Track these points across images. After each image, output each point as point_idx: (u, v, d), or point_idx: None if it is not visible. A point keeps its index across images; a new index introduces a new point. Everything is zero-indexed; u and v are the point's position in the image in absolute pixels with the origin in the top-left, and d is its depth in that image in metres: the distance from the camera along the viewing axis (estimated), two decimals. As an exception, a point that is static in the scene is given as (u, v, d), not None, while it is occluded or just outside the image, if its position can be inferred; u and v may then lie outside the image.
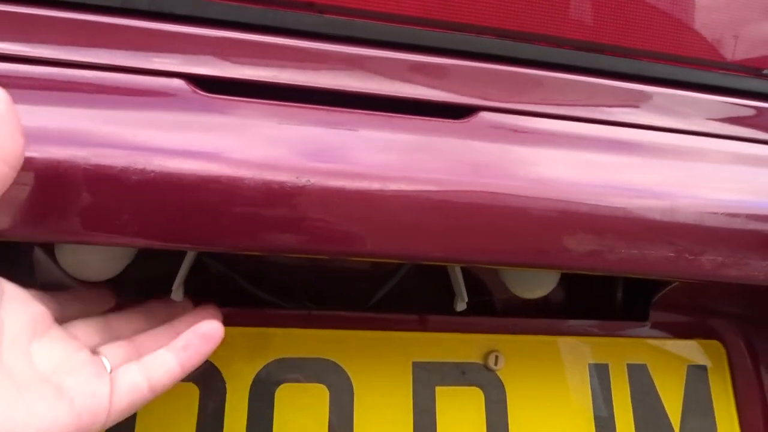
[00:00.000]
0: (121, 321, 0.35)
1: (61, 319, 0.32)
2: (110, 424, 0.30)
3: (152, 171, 0.30)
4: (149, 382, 0.31)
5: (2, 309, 0.28)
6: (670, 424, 0.50)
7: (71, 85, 0.32)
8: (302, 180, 0.32)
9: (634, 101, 0.40)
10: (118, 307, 0.37)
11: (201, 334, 0.33)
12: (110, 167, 0.30)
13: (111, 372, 0.31)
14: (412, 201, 0.33)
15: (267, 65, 0.35)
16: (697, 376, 0.52)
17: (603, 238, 0.35)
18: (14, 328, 0.28)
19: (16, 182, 0.28)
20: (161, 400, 0.33)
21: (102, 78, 0.32)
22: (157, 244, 0.31)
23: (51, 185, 0.29)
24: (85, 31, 0.33)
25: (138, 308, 0.36)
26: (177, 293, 0.40)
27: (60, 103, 0.31)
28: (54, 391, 0.28)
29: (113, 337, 0.33)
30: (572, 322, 0.51)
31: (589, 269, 0.36)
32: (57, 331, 0.31)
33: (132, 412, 0.31)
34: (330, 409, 0.43)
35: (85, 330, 0.32)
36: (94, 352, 0.31)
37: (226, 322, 0.43)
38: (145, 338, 0.34)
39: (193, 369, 0.33)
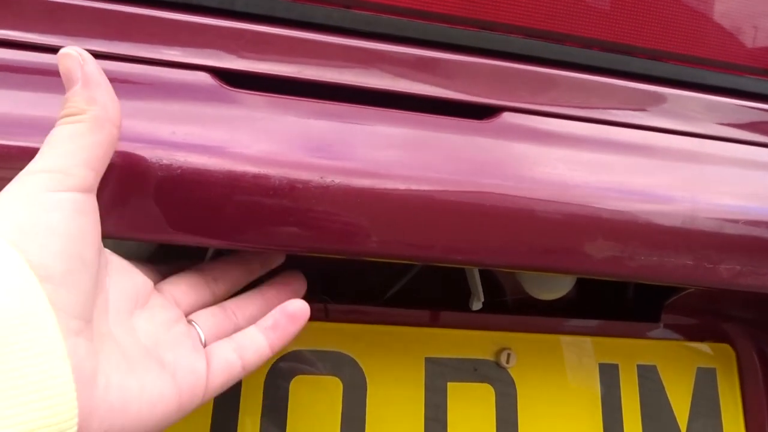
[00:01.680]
0: (217, 271, 0.35)
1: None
2: (206, 400, 0.30)
3: (179, 167, 0.30)
4: (242, 361, 0.31)
5: (109, 279, 0.28)
6: (677, 424, 0.50)
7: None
8: (326, 180, 0.32)
9: (663, 105, 0.40)
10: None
11: (289, 314, 0.33)
12: (136, 161, 0.30)
13: (205, 345, 0.31)
14: (433, 201, 0.33)
15: (293, 60, 0.34)
16: (706, 378, 0.52)
17: (626, 244, 0.35)
18: (119, 299, 0.28)
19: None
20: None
21: (126, 70, 0.32)
22: (183, 240, 0.31)
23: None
24: (108, 21, 0.33)
25: (235, 258, 0.36)
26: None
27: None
28: (158, 365, 0.28)
29: (209, 294, 0.34)
30: (584, 322, 0.51)
31: (610, 275, 0.36)
32: (157, 299, 0.31)
33: (224, 389, 0.31)
34: (343, 401, 0.44)
35: (180, 287, 0.33)
36: (189, 319, 0.32)
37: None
38: (236, 306, 0.34)
39: (281, 348, 0.33)
